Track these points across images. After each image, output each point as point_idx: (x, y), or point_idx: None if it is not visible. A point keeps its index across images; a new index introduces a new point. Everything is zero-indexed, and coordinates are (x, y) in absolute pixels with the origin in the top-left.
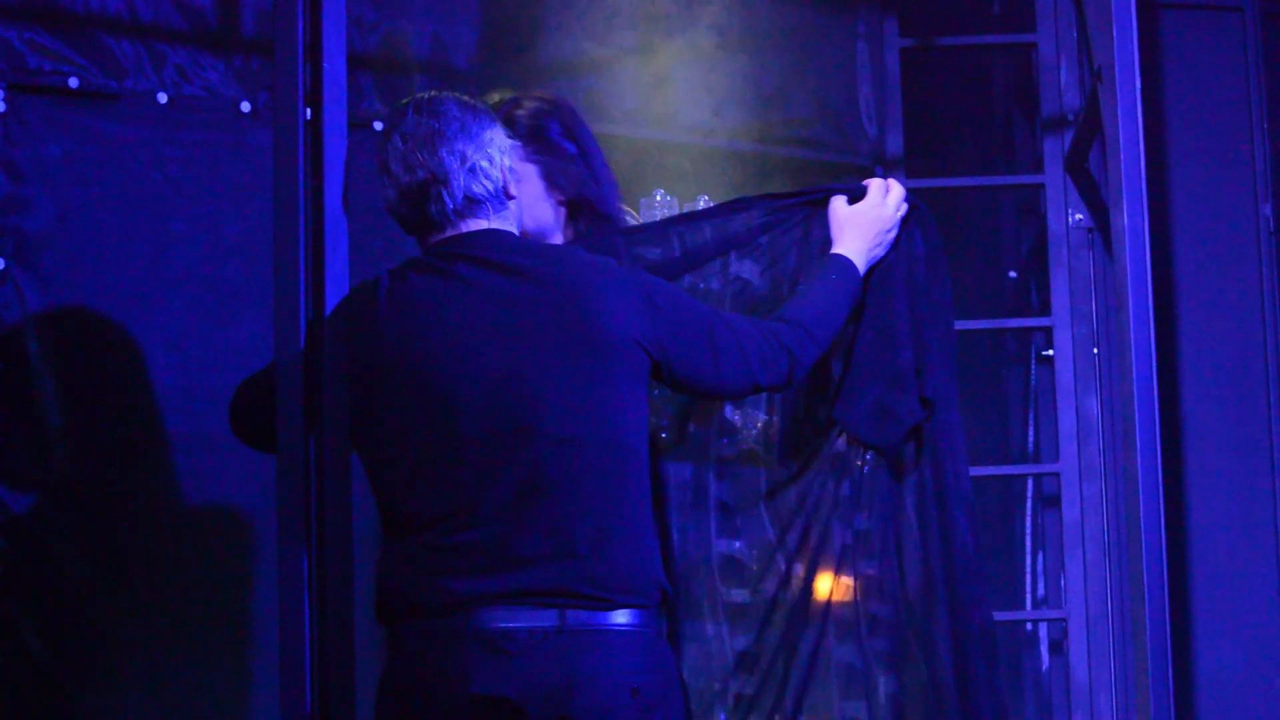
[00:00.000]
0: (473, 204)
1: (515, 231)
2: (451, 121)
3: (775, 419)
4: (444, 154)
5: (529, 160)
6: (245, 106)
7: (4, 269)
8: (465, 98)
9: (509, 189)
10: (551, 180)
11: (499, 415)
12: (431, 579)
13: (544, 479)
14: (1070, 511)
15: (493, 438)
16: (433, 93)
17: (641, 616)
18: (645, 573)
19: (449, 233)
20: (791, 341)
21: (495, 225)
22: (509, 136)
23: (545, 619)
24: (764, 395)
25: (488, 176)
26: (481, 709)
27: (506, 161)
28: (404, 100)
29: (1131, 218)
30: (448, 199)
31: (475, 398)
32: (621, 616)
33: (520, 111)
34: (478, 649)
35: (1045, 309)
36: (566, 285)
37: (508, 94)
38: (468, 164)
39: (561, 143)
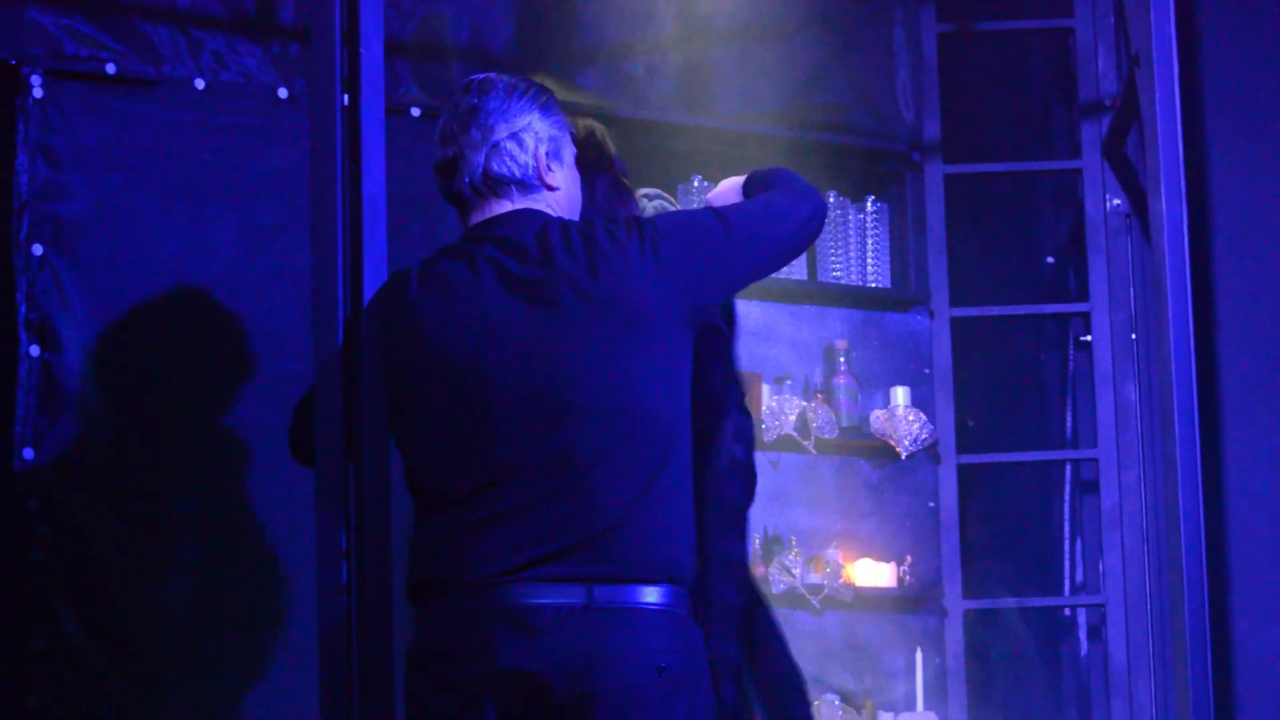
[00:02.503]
0: (495, 183)
1: (549, 214)
2: (491, 100)
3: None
4: (473, 130)
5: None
6: (282, 92)
7: (42, 255)
8: (521, 81)
9: (544, 177)
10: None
11: (529, 391)
12: (460, 555)
13: (575, 455)
14: (1109, 497)
15: (523, 414)
16: (491, 75)
17: (671, 595)
18: (677, 552)
19: (480, 214)
20: (796, 182)
21: (523, 206)
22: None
23: (572, 595)
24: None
25: (513, 159)
26: (507, 684)
27: (543, 149)
28: (464, 79)
29: (1170, 203)
30: (467, 174)
31: (505, 375)
32: (651, 595)
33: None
34: (504, 625)
35: (1083, 294)
36: (589, 261)
37: (545, 79)
38: (491, 141)
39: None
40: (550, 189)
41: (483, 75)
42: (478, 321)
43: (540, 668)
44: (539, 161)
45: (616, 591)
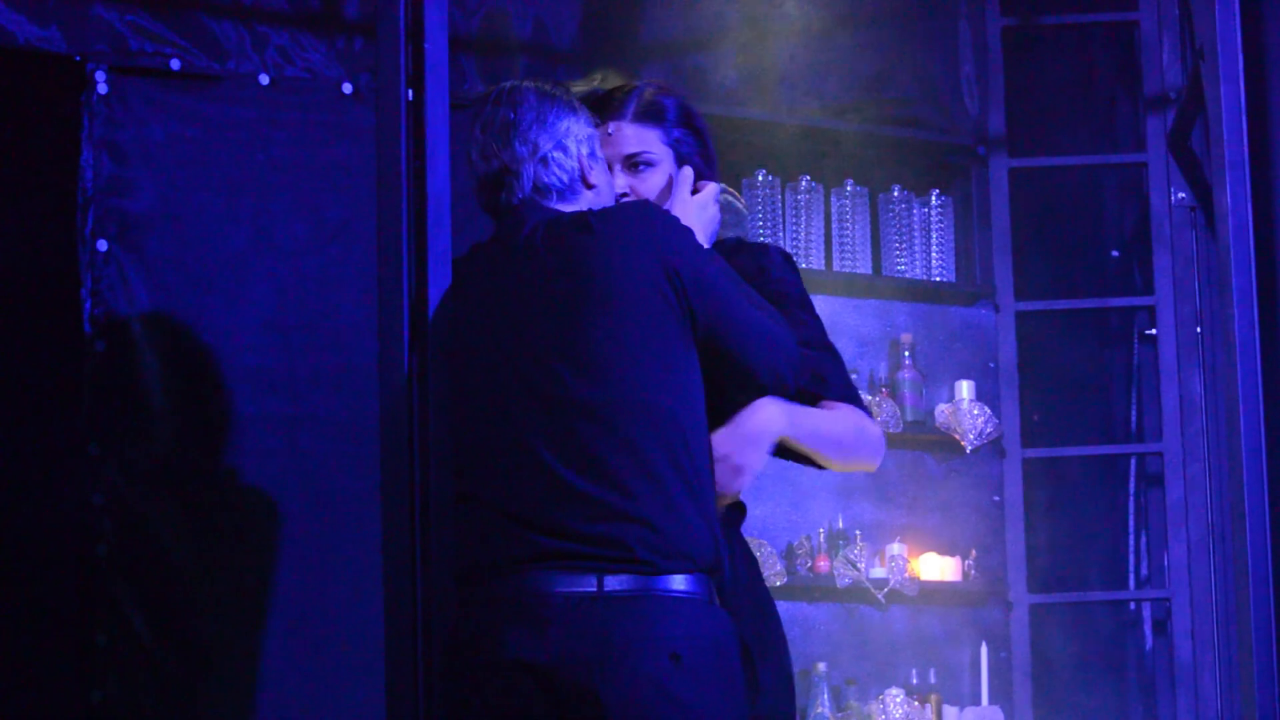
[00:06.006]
0: (543, 193)
1: (561, 210)
2: (527, 112)
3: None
4: (517, 145)
5: (650, 128)
6: (347, 88)
7: (107, 250)
8: (547, 86)
9: (587, 178)
10: (675, 149)
11: (530, 385)
12: (480, 544)
13: (584, 445)
14: (1174, 491)
15: (528, 406)
16: (514, 82)
17: (690, 581)
18: (692, 538)
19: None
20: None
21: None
22: (596, 121)
23: (583, 584)
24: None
25: (561, 167)
26: (515, 674)
27: (584, 150)
28: (487, 90)
29: (1235, 196)
30: (517, 189)
31: (507, 369)
32: (668, 582)
33: (646, 91)
34: (515, 614)
35: (1148, 288)
36: (578, 247)
37: (610, 74)
38: (539, 154)
39: (679, 117)
40: (590, 187)
41: (509, 83)
42: (482, 318)
43: (546, 658)
44: (582, 164)
45: (630, 579)
